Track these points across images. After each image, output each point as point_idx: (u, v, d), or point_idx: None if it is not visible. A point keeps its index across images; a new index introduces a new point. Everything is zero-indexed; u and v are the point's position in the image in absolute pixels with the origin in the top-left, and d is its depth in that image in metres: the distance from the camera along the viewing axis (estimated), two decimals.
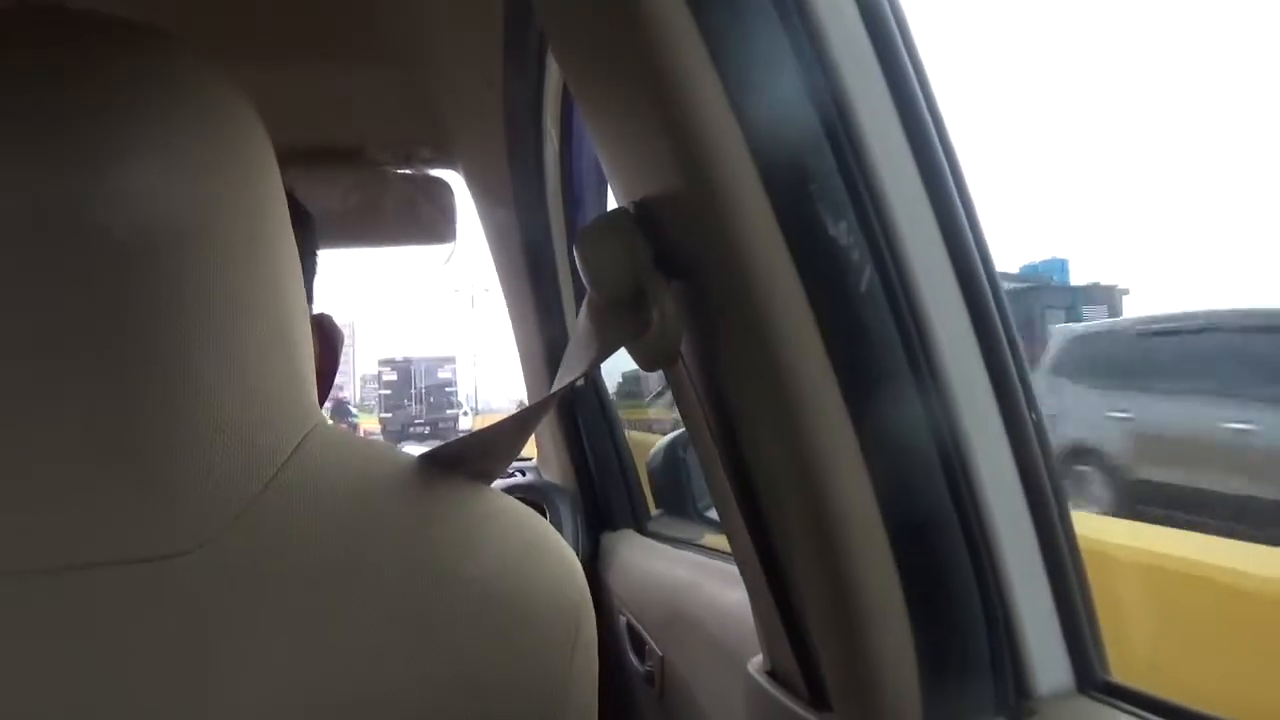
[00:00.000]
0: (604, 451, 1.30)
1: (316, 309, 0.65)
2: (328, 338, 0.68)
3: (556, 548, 0.47)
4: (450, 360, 21.58)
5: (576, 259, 0.43)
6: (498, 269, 1.19)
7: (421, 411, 19.98)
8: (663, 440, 1.35)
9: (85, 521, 0.37)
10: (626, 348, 0.43)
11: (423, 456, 0.46)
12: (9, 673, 0.36)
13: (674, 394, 0.46)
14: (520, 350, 1.29)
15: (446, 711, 0.40)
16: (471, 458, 0.48)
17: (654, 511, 1.32)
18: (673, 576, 1.00)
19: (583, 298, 1.18)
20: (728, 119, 0.35)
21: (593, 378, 1.28)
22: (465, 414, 19.56)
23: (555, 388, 0.49)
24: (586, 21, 0.42)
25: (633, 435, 1.47)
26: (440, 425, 17.69)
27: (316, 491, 0.41)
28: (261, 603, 0.38)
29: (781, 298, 0.36)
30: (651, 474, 1.33)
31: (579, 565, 0.47)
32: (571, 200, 1.05)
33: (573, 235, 1.08)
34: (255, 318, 0.42)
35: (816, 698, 0.42)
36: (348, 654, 0.38)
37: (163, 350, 0.38)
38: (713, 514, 1.33)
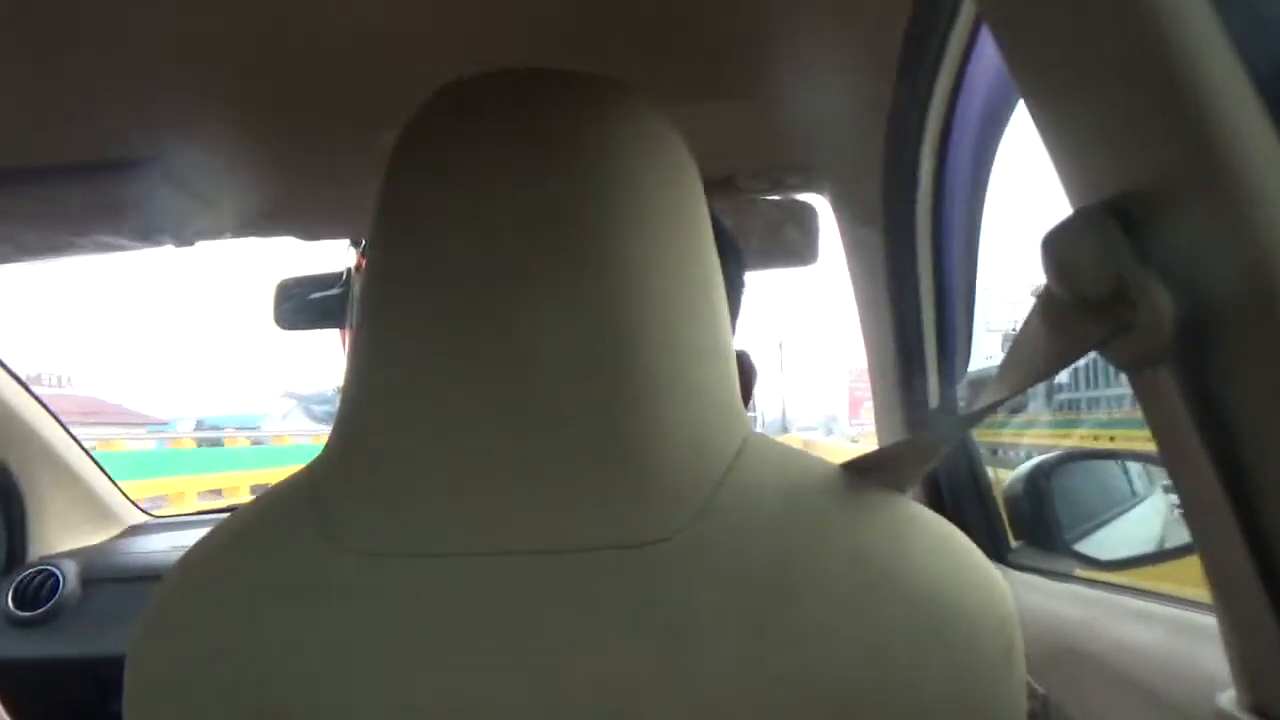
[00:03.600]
0: (960, 476, 1.25)
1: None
2: (743, 374, 0.72)
3: (980, 559, 0.47)
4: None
5: (1045, 258, 0.42)
6: (856, 289, 1.20)
7: None
8: (1023, 467, 1.29)
9: (574, 511, 0.42)
10: (1102, 349, 0.41)
11: (845, 464, 0.48)
12: (502, 645, 0.42)
13: (1143, 402, 0.44)
14: (872, 368, 1.28)
15: (883, 707, 0.40)
16: (889, 467, 0.48)
17: (1014, 543, 1.25)
18: (1054, 611, 0.94)
19: (945, 314, 1.15)
20: (1241, 95, 0.33)
21: (949, 400, 1.25)
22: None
23: (995, 396, 0.49)
24: (1053, 6, 0.42)
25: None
26: None
27: (760, 490, 0.44)
28: (728, 589, 0.41)
29: None
30: (1010, 502, 1.27)
31: (1001, 578, 0.47)
32: (940, 219, 1.03)
33: (939, 254, 1.07)
34: (699, 334, 0.46)
35: None
36: (799, 640, 0.41)
37: (634, 363, 0.43)
38: (1082, 547, 1.24)
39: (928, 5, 0.73)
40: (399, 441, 0.45)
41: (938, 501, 1.25)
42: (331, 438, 0.49)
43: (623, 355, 0.44)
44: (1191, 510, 0.43)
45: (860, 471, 0.47)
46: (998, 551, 1.22)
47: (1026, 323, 0.47)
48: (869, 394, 1.36)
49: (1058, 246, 0.42)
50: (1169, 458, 0.44)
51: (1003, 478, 1.34)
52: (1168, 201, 0.38)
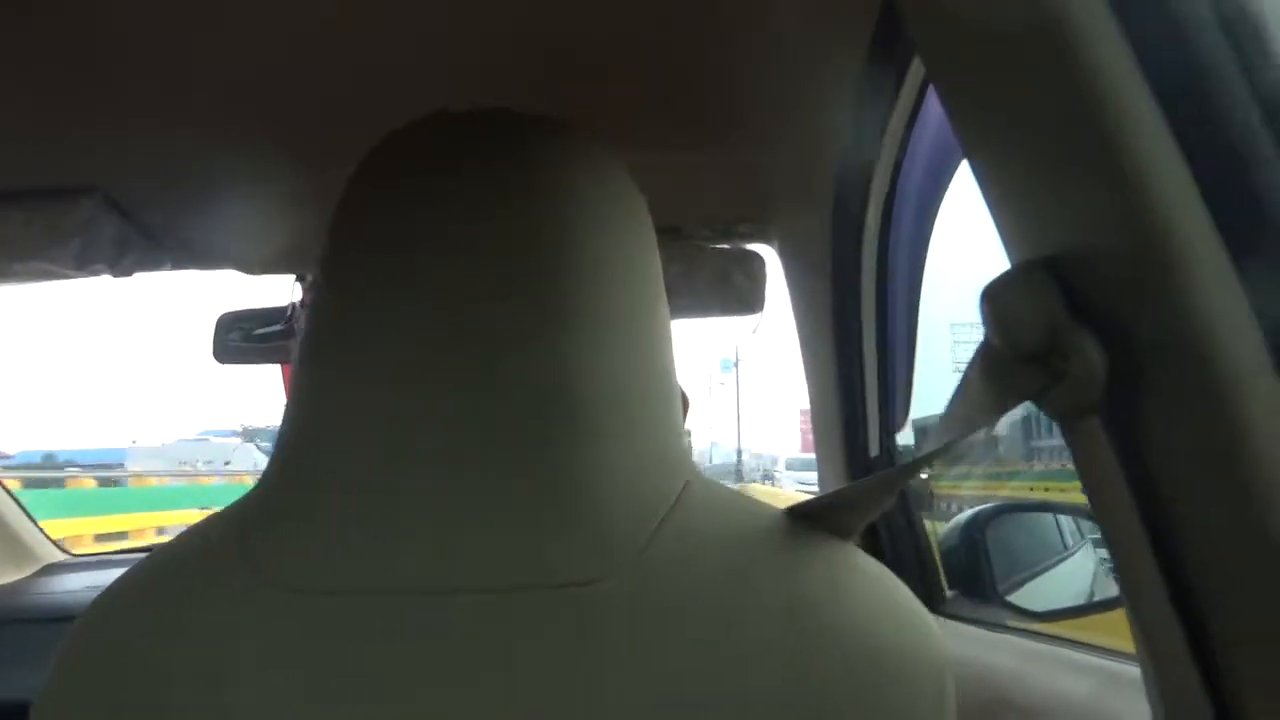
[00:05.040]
0: (898, 526, 1.27)
1: None
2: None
3: (918, 607, 0.47)
4: None
5: (984, 312, 0.44)
6: (802, 338, 1.22)
7: None
8: (959, 518, 1.31)
9: (506, 551, 0.42)
10: (1036, 400, 0.43)
11: (787, 510, 0.48)
12: (430, 684, 0.41)
13: (1075, 452, 0.45)
14: (815, 416, 1.30)
15: None
16: (833, 513, 0.49)
17: (949, 593, 1.26)
18: (987, 661, 0.95)
19: (887, 363, 1.17)
20: (1170, 160, 0.35)
21: (889, 449, 1.27)
22: None
23: (936, 444, 0.50)
24: (996, 73, 0.44)
25: None
26: None
27: (700, 535, 0.44)
28: (660, 632, 0.41)
29: (1242, 359, 0.34)
30: (945, 554, 1.29)
31: (936, 626, 0.47)
32: (884, 271, 1.06)
33: (883, 305, 1.09)
34: (646, 379, 0.47)
35: None
36: (728, 687, 0.41)
37: (575, 407, 0.44)
38: (1015, 598, 1.26)
39: (879, 64, 0.75)
40: (333, 479, 0.44)
41: (876, 549, 1.27)
42: (266, 472, 0.48)
43: (565, 399, 0.44)
44: (1119, 557, 0.45)
45: (805, 518, 0.48)
46: (932, 601, 1.23)
47: (966, 374, 0.48)
48: None
49: (996, 299, 0.43)
50: (1098, 506, 0.45)
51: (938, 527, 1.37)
52: (1100, 256, 0.40)
